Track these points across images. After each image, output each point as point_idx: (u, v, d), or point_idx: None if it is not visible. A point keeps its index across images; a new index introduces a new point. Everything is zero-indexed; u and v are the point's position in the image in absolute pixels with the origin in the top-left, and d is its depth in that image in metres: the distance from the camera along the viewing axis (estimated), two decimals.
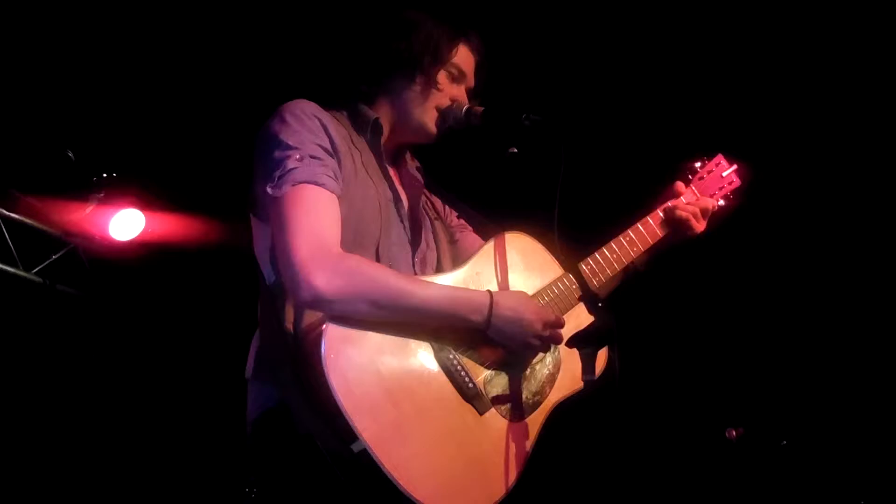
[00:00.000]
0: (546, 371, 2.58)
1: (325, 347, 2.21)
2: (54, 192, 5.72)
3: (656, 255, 2.91)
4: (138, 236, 5.87)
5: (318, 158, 2.40)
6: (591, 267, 2.74)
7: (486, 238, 2.70)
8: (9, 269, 5.69)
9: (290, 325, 2.35)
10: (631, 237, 2.83)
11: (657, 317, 5.20)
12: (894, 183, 5.00)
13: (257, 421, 2.39)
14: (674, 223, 2.89)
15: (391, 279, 2.34)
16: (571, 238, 2.52)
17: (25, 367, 5.79)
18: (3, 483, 5.51)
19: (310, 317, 2.33)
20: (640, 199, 3.01)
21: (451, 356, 2.40)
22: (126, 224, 5.82)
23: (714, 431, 4.65)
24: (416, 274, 2.56)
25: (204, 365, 5.80)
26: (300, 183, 2.35)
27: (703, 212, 2.91)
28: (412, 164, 2.81)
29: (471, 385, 2.40)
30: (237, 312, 2.69)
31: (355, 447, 2.16)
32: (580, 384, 2.60)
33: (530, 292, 2.57)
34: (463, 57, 2.70)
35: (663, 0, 4.81)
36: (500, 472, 2.39)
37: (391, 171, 2.69)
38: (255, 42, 5.00)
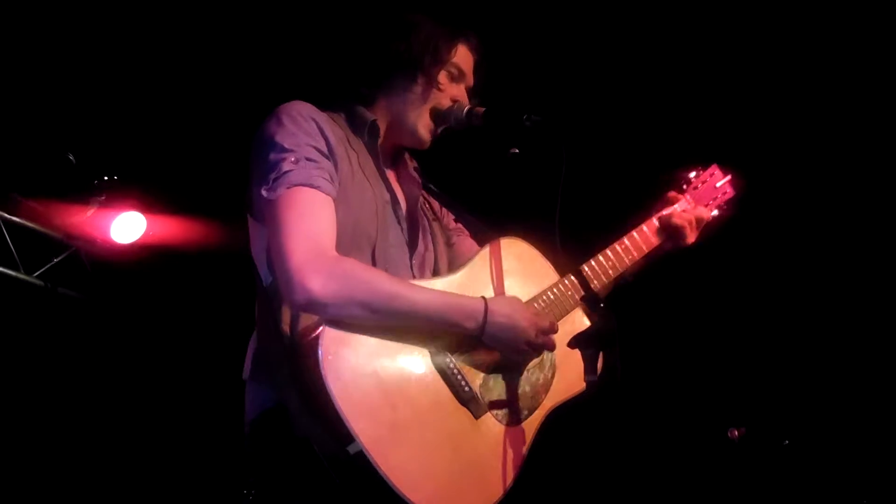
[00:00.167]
0: (542, 376, 2.59)
1: (323, 350, 2.21)
2: (55, 195, 5.73)
3: (648, 263, 2.91)
4: (140, 239, 5.88)
5: (314, 161, 2.40)
6: (592, 270, 2.74)
7: (482, 241, 2.70)
8: (10, 272, 5.69)
9: (286, 327, 2.34)
10: (626, 244, 2.83)
11: (659, 317, 5.19)
12: (894, 181, 5.01)
13: (255, 422, 2.39)
14: (668, 231, 2.89)
15: (385, 284, 2.34)
16: (572, 239, 2.51)
17: (27, 370, 5.79)
18: (6, 484, 5.51)
19: (306, 319, 2.33)
20: (640, 199, 3.01)
21: (447, 360, 2.40)
22: (127, 227, 5.83)
23: (716, 431, 4.64)
24: (413, 276, 2.57)
25: (205, 367, 5.80)
26: (295, 185, 2.34)
27: (698, 221, 2.92)
28: (410, 165, 2.80)
29: (467, 389, 2.41)
30: (238, 315, 2.69)
31: (351, 449, 2.16)
32: (575, 390, 2.63)
33: (525, 298, 2.57)
34: (462, 56, 2.71)
35: (664, 1, 4.81)
36: (497, 477, 2.39)
37: (389, 173, 2.68)
38: (255, 45, 5.00)
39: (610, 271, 2.78)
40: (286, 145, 2.39)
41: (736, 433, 4.52)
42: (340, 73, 2.73)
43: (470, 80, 2.75)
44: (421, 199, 2.75)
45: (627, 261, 2.82)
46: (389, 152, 2.74)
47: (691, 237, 2.91)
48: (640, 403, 4.96)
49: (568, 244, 2.51)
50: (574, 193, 2.44)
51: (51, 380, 5.89)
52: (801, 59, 4.86)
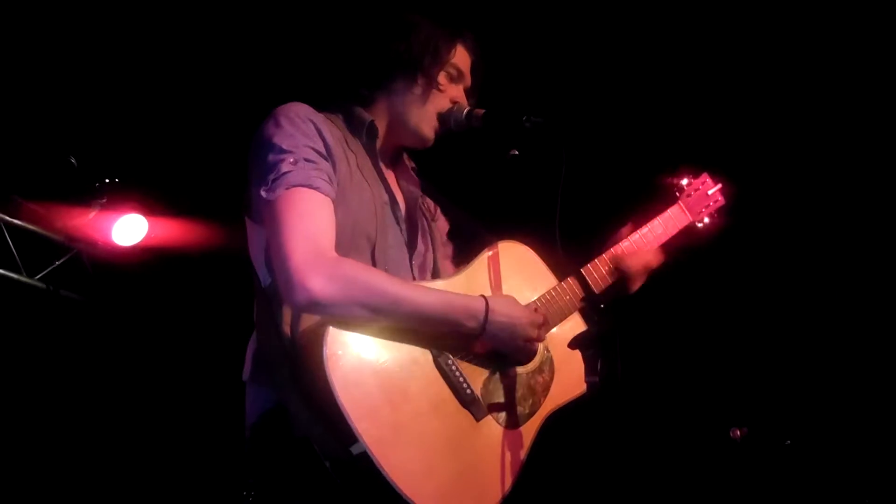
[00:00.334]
0: (541, 380, 2.60)
1: (327, 351, 2.21)
2: (57, 197, 5.73)
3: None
4: (141, 241, 5.88)
5: (313, 162, 2.40)
6: (591, 272, 2.75)
7: (478, 243, 2.70)
8: (12, 275, 5.70)
9: (287, 328, 2.35)
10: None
11: (660, 317, 5.19)
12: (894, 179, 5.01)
13: (256, 423, 2.39)
14: (616, 274, 2.78)
15: (386, 284, 2.34)
16: (572, 240, 2.52)
17: (29, 373, 5.80)
18: (8, 486, 5.52)
19: (307, 320, 2.33)
20: (639, 200, 3.02)
21: (449, 361, 2.41)
22: (129, 229, 5.83)
23: (718, 431, 4.64)
24: (414, 277, 2.58)
25: (207, 369, 5.80)
26: (294, 186, 2.34)
27: (648, 268, 2.83)
28: (409, 166, 2.81)
29: (468, 391, 2.42)
30: (239, 317, 2.69)
31: (354, 450, 2.17)
32: (574, 393, 2.65)
33: (523, 302, 2.58)
34: (461, 57, 2.72)
35: (664, 2, 4.81)
36: (496, 480, 2.41)
37: (387, 174, 2.69)
38: (256, 47, 5.01)
39: (608, 277, 2.79)
40: (284, 146, 2.39)
41: (738, 433, 4.52)
42: (339, 74, 2.74)
43: (468, 81, 2.76)
44: (420, 199, 2.76)
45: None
46: (388, 153, 2.74)
47: (637, 283, 2.81)
48: (642, 403, 4.96)
49: (568, 245, 2.52)
50: (574, 195, 2.44)
51: (53, 382, 5.89)
52: (801, 60, 4.86)
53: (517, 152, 2.61)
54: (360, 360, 2.27)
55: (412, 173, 2.80)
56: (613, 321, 2.39)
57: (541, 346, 2.61)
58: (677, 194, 3.05)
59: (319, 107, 2.56)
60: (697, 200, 3.07)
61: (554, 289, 2.67)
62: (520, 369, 2.56)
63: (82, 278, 6.06)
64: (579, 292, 2.68)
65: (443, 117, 2.67)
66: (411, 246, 2.63)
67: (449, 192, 2.93)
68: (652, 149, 4.95)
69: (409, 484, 2.19)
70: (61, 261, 5.93)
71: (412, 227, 2.65)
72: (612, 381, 2.46)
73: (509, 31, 4.65)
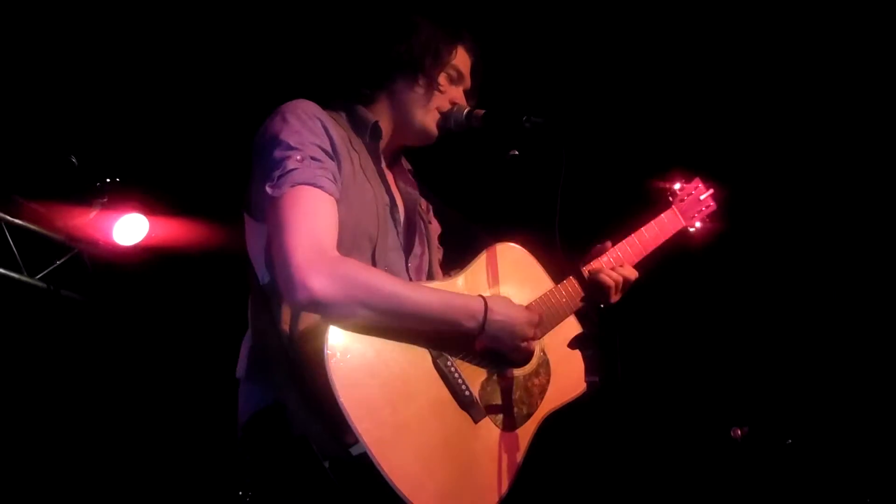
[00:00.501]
0: (537, 382, 2.61)
1: (328, 350, 2.21)
2: (58, 197, 5.73)
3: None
4: (142, 241, 5.88)
5: (318, 160, 2.39)
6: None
7: (475, 245, 2.70)
8: (13, 274, 5.70)
9: (285, 327, 2.33)
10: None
11: (661, 316, 5.19)
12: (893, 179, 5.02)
13: (250, 422, 2.38)
14: (594, 287, 2.73)
15: (387, 284, 2.34)
16: (572, 240, 2.52)
17: (30, 372, 5.80)
18: (8, 485, 5.52)
19: (306, 318, 2.32)
20: (639, 200, 3.02)
21: (448, 363, 2.41)
22: (130, 229, 5.83)
23: (719, 431, 4.64)
24: (410, 279, 2.57)
25: (208, 368, 5.80)
26: (299, 184, 2.33)
27: (625, 283, 2.78)
28: (406, 168, 2.81)
29: (467, 393, 2.42)
30: (241, 317, 2.69)
31: (354, 450, 2.17)
32: (571, 395, 2.67)
33: (519, 304, 2.58)
34: (461, 59, 2.72)
35: (664, 3, 4.81)
36: (493, 482, 2.41)
37: (388, 175, 2.68)
38: (257, 47, 5.01)
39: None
40: (292, 143, 2.38)
41: (739, 432, 4.52)
42: (341, 74, 2.73)
43: (468, 82, 2.76)
44: (417, 202, 2.76)
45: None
46: (388, 154, 2.74)
47: (613, 299, 2.76)
48: (643, 403, 4.96)
49: (568, 245, 2.52)
50: (574, 195, 2.44)
51: (53, 382, 5.89)
52: (801, 62, 4.87)
53: (517, 153, 2.61)
54: (360, 360, 2.27)
55: (409, 175, 2.80)
56: (613, 321, 2.38)
57: (538, 349, 2.61)
58: (671, 199, 3.07)
59: (323, 105, 2.56)
60: (690, 205, 3.10)
61: (550, 291, 2.67)
62: (517, 371, 2.57)
63: (83, 278, 6.06)
64: (576, 294, 2.68)
65: (443, 116, 2.67)
66: (408, 248, 2.63)
67: (448, 192, 2.93)
68: (650, 146, 4.95)
69: (408, 485, 2.19)
70: (62, 260, 5.94)
71: (410, 230, 2.65)
72: (612, 381, 2.46)
73: (509, 32, 4.65)
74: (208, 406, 5.77)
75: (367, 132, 2.62)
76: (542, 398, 2.60)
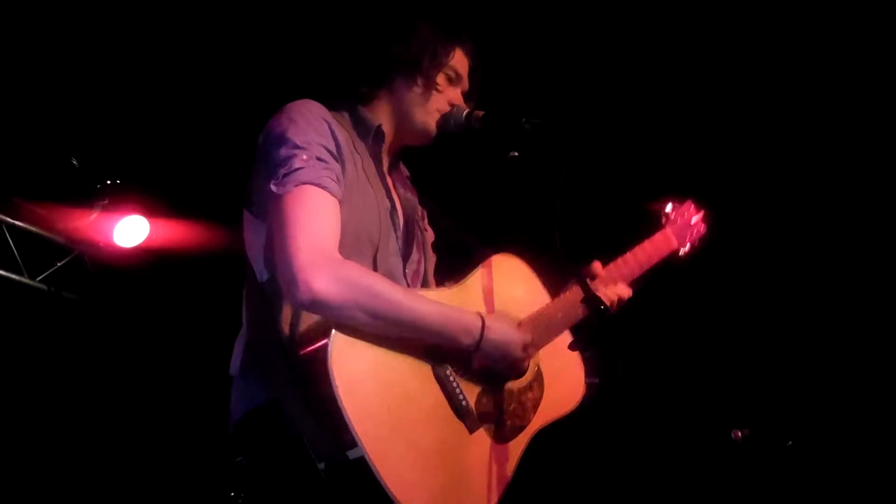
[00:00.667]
0: (531, 396, 2.62)
1: (333, 354, 2.20)
2: (58, 199, 5.73)
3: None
4: (143, 243, 5.88)
5: (324, 161, 2.39)
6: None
7: (470, 255, 2.70)
8: (14, 276, 5.70)
9: (285, 326, 2.33)
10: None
11: (662, 318, 5.19)
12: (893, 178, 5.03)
13: (243, 420, 2.37)
14: (589, 303, 2.69)
15: (389, 291, 2.33)
16: (571, 241, 2.52)
17: (31, 374, 5.80)
18: (9, 486, 5.52)
19: (308, 319, 2.32)
20: (639, 200, 3.03)
21: (448, 373, 2.42)
22: (130, 231, 5.83)
23: (719, 432, 4.64)
24: (407, 285, 2.58)
25: (208, 370, 5.79)
26: (304, 183, 2.33)
27: (620, 301, 2.82)
28: (404, 174, 2.82)
29: (464, 403, 2.42)
30: (241, 318, 2.68)
31: (351, 454, 2.16)
32: (562, 411, 2.69)
33: (514, 317, 2.59)
34: (459, 60, 2.72)
35: (664, 3, 4.81)
36: (483, 494, 2.43)
37: (388, 179, 2.69)
38: (257, 49, 5.01)
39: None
40: (298, 142, 2.38)
41: (739, 434, 4.52)
42: (340, 74, 2.73)
43: (466, 84, 2.76)
44: (415, 207, 2.76)
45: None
46: (389, 157, 2.74)
47: (609, 314, 2.73)
48: (643, 405, 4.96)
49: (567, 246, 2.52)
50: (574, 196, 2.44)
51: (54, 384, 5.89)
52: (802, 65, 4.88)
53: (517, 154, 2.61)
54: (363, 365, 2.26)
55: (408, 181, 2.80)
56: (615, 322, 2.38)
57: (532, 363, 2.62)
58: (663, 221, 3.12)
59: (327, 106, 2.55)
60: (682, 228, 3.14)
61: (546, 306, 2.69)
62: (512, 385, 2.57)
63: (84, 280, 6.06)
64: (571, 310, 2.68)
65: (443, 117, 2.67)
66: (406, 254, 2.62)
67: (448, 193, 2.93)
68: (651, 149, 4.95)
69: (402, 491, 2.19)
70: (63, 262, 5.93)
71: (408, 235, 2.65)
72: (612, 381, 2.46)
73: (509, 33, 4.65)
74: (208, 406, 5.77)
75: (370, 135, 2.62)
76: (534, 412, 2.61)
